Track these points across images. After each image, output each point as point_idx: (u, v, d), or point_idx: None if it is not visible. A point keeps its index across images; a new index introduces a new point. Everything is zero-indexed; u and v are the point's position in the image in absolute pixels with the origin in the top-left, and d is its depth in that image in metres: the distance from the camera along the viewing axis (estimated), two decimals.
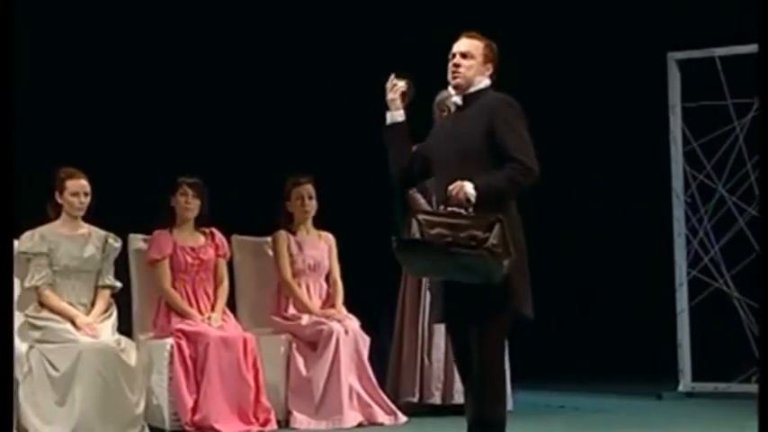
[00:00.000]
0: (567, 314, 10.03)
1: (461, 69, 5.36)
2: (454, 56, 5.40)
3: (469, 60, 5.36)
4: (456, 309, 5.26)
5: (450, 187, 5.15)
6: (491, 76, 5.41)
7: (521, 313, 5.24)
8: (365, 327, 7.58)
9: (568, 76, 9.71)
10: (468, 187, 5.12)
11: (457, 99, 5.43)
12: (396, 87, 5.42)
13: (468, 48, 5.37)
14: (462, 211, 5.10)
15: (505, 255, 5.04)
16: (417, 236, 5.10)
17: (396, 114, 5.41)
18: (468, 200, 5.10)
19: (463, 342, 5.34)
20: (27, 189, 7.30)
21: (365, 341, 7.50)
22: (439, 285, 5.36)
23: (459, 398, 7.66)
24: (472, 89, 5.37)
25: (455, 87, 5.40)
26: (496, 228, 5.05)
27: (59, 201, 6.97)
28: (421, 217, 5.16)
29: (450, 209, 5.13)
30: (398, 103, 5.42)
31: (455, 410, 7.63)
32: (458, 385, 7.65)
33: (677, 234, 8.60)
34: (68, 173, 6.95)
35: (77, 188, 6.94)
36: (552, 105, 9.21)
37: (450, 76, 5.42)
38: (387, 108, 5.46)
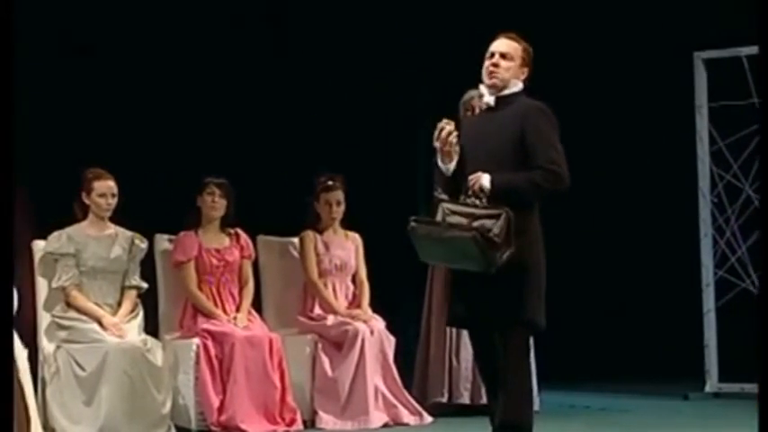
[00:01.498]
0: (594, 315, 10.00)
1: (500, 70, 5.32)
2: (493, 55, 5.35)
3: (508, 62, 5.33)
4: (475, 313, 5.28)
5: (470, 178, 5.21)
6: (525, 81, 5.39)
7: (533, 323, 5.26)
8: (391, 327, 7.58)
9: (594, 77, 9.69)
10: (484, 179, 5.17)
11: (490, 99, 5.38)
12: (443, 136, 5.28)
13: (507, 49, 5.34)
14: (477, 201, 5.14)
15: (504, 246, 5.07)
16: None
17: (447, 167, 5.31)
18: (482, 190, 5.14)
19: (484, 344, 5.35)
20: (54, 189, 7.35)
21: (390, 342, 7.50)
22: (453, 289, 5.39)
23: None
24: (506, 91, 5.35)
25: (491, 86, 5.36)
26: (501, 218, 5.07)
27: (86, 202, 7.00)
28: (444, 205, 5.22)
29: (467, 199, 5.18)
30: (448, 154, 5.29)
31: (484, 410, 7.63)
32: None
33: (704, 234, 8.57)
34: (95, 174, 6.97)
35: (104, 189, 6.96)
36: (579, 106, 9.19)
37: (486, 75, 5.37)
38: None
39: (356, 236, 7.76)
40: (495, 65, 5.31)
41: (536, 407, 7.76)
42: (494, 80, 5.34)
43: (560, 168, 5.18)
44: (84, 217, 7.03)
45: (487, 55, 5.39)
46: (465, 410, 7.63)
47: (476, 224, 5.09)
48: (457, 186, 5.35)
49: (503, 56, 5.33)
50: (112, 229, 7.06)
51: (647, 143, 9.76)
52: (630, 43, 9.60)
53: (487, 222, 5.08)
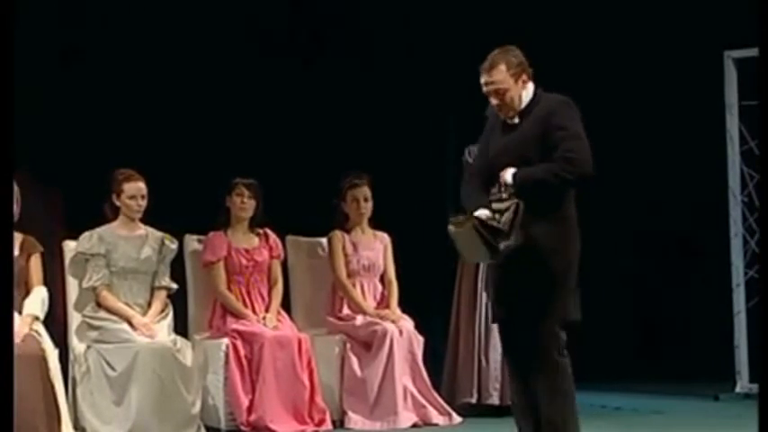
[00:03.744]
0: (624, 315, 9.97)
1: (503, 101, 5.25)
2: (489, 93, 5.28)
3: (503, 89, 5.24)
4: (502, 307, 5.27)
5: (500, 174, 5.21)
6: (527, 81, 5.28)
7: (564, 319, 5.20)
8: (420, 327, 7.57)
9: (625, 76, 9.65)
10: (507, 174, 5.15)
11: (515, 120, 5.32)
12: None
13: (494, 79, 5.24)
14: (503, 195, 5.12)
15: (509, 235, 5.03)
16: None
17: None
18: (506, 185, 5.13)
19: (511, 340, 5.33)
20: (85, 190, 7.38)
21: (419, 342, 7.49)
22: (491, 286, 5.38)
23: None
24: (522, 106, 5.28)
25: (510, 118, 5.31)
26: (510, 208, 5.05)
27: (116, 203, 7.02)
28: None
29: (494, 196, 5.18)
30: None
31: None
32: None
33: (734, 234, 8.53)
34: (126, 175, 6.99)
35: (134, 191, 6.98)
36: (608, 105, 9.16)
37: (498, 112, 5.32)
38: None
39: (385, 235, 7.76)
40: (498, 102, 5.24)
41: None
42: (507, 113, 5.28)
43: (577, 155, 5.08)
44: (115, 218, 7.06)
45: (486, 93, 5.32)
46: (494, 411, 7.62)
47: (502, 218, 5.08)
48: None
49: (496, 90, 5.25)
50: (143, 229, 7.08)
51: (678, 143, 9.71)
52: (660, 42, 9.56)
53: (498, 214, 5.09)
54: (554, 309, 5.17)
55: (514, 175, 5.14)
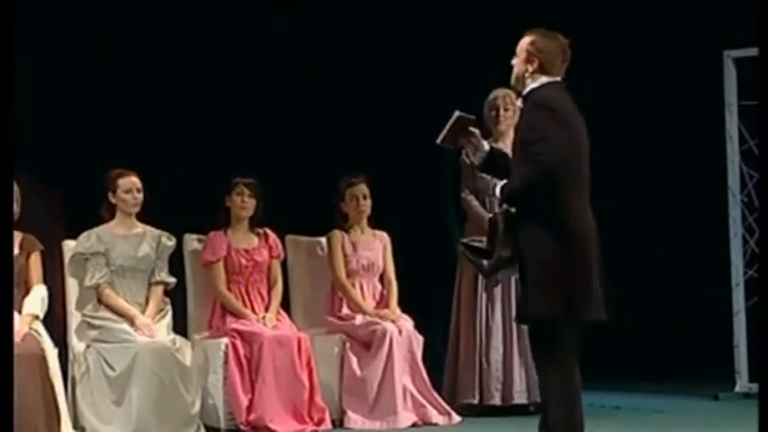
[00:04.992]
0: (624, 315, 9.95)
1: (513, 72, 5.21)
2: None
3: (516, 59, 5.18)
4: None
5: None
6: (543, 73, 5.14)
7: (537, 317, 5.06)
8: (420, 326, 7.57)
9: (624, 75, 9.65)
10: (497, 187, 5.14)
11: (519, 103, 5.29)
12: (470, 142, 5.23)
13: (518, 46, 5.20)
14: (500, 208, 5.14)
15: (494, 251, 5.00)
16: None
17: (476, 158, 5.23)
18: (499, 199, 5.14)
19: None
20: (83, 191, 7.39)
21: (419, 341, 7.49)
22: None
23: (519, 398, 7.64)
24: (525, 90, 5.17)
25: (512, 87, 5.30)
26: (488, 227, 5.06)
27: (113, 201, 7.02)
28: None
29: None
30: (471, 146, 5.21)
31: (515, 411, 7.62)
32: (517, 386, 7.63)
33: (733, 234, 8.53)
34: (118, 172, 7.01)
35: (129, 185, 6.99)
36: (608, 104, 9.16)
37: None
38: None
39: (384, 234, 7.76)
40: (511, 66, 5.22)
41: None
42: (516, 88, 5.24)
43: (542, 156, 4.93)
44: (112, 217, 7.06)
45: None
46: (495, 412, 7.62)
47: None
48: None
49: (515, 55, 5.20)
50: (140, 227, 7.09)
51: (677, 142, 9.72)
52: (660, 41, 9.57)
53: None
54: (528, 308, 5.07)
55: (502, 188, 5.10)
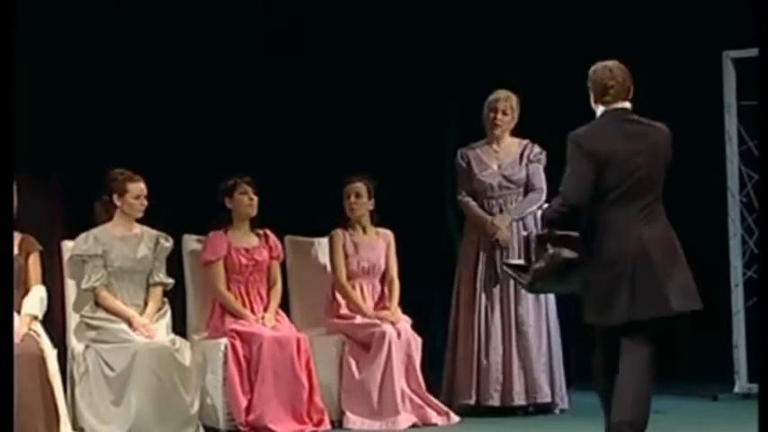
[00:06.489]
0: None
1: None
2: None
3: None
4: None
5: None
6: (601, 103, 5.83)
7: (585, 320, 5.69)
8: (420, 326, 7.57)
9: None
10: (538, 213, 6.14)
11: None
12: None
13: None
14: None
15: (525, 270, 5.67)
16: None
17: None
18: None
19: None
20: (83, 189, 7.38)
21: (417, 343, 7.49)
22: None
23: (518, 399, 7.62)
24: None
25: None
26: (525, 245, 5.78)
27: (118, 203, 7.01)
28: None
29: None
30: None
31: (513, 412, 7.60)
32: (517, 387, 7.61)
33: (732, 234, 8.52)
34: (128, 176, 7.00)
35: (138, 191, 7.00)
36: None
37: None
38: None
39: (387, 232, 7.74)
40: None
41: (562, 404, 7.77)
42: None
43: (566, 190, 5.61)
44: (110, 218, 7.05)
45: None
46: (493, 412, 7.60)
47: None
48: None
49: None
50: (138, 229, 7.08)
51: (676, 142, 9.67)
52: (659, 42, 9.56)
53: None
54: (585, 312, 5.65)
55: (543, 213, 5.82)
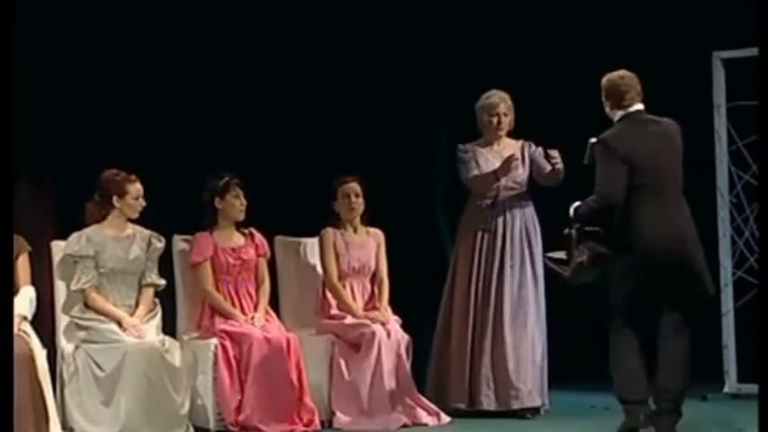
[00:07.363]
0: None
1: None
2: None
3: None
4: None
5: None
6: (617, 108, 6.58)
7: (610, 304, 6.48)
8: (409, 325, 7.56)
9: None
10: (571, 207, 6.39)
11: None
12: None
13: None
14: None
15: (571, 259, 6.28)
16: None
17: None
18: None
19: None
20: (74, 189, 7.37)
21: (405, 342, 7.48)
22: None
23: (515, 403, 7.59)
24: None
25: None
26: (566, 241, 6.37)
27: (117, 204, 7.00)
28: None
29: None
30: None
31: (510, 415, 7.59)
32: (512, 391, 7.58)
33: (722, 234, 8.54)
34: (126, 177, 7.00)
35: (137, 192, 7.01)
36: (597, 104, 9.17)
37: None
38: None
39: (378, 232, 7.74)
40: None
41: (547, 405, 7.76)
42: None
43: (600, 188, 6.30)
44: (103, 218, 7.04)
45: None
46: (488, 416, 7.59)
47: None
48: None
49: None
50: (131, 229, 7.08)
51: None
52: (649, 42, 9.57)
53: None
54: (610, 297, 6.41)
55: (575, 209, 6.36)
